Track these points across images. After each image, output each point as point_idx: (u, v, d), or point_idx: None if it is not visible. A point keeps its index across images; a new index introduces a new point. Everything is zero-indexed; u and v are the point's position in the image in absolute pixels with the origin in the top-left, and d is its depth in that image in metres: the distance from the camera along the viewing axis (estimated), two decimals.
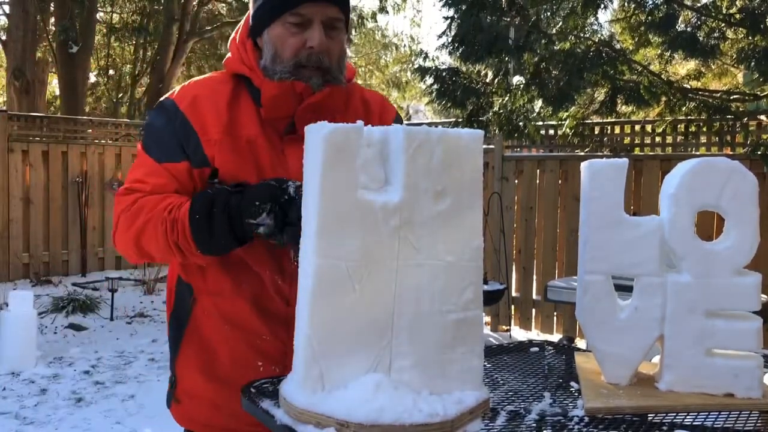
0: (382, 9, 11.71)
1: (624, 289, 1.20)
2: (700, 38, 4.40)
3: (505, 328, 5.76)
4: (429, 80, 5.10)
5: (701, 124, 5.08)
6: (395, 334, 0.95)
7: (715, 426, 1.01)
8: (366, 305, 0.94)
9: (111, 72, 13.22)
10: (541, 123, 5.73)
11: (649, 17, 4.65)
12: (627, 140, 5.66)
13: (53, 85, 14.32)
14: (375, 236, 0.94)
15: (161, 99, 1.43)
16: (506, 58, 4.79)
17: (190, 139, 1.34)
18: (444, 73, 5.00)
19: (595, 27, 5.32)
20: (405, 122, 1.68)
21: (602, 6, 4.68)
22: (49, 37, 10.42)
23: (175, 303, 1.44)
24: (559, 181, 5.58)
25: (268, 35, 1.36)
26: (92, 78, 12.61)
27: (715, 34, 4.53)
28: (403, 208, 0.95)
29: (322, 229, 0.93)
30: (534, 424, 1.01)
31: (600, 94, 5.09)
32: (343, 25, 1.39)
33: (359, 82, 1.50)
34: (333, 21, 1.35)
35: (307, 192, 0.98)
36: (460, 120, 5.17)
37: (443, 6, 4.89)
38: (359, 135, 0.95)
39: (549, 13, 5.17)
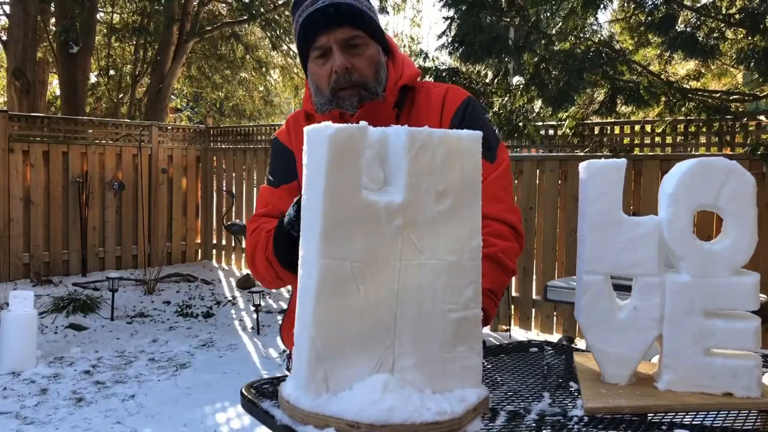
0: (382, 9, 11.70)
1: (623, 288, 1.20)
2: (700, 38, 4.40)
3: (504, 327, 5.76)
4: (429, 80, 5.10)
5: (701, 124, 5.08)
6: (398, 334, 0.96)
7: (714, 425, 1.02)
8: (369, 306, 0.94)
9: (111, 72, 13.21)
10: (540, 123, 5.73)
11: (649, 17, 4.65)
12: (626, 140, 5.66)
13: (54, 86, 14.32)
14: (378, 237, 0.94)
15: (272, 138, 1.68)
16: (506, 59, 4.80)
17: (293, 162, 1.53)
18: (444, 74, 5.00)
19: (595, 27, 5.33)
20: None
21: (602, 6, 4.68)
22: (50, 37, 10.42)
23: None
24: (559, 182, 5.58)
25: (309, 74, 1.49)
26: (93, 78, 12.61)
27: (715, 35, 4.53)
28: (406, 208, 0.95)
29: (326, 230, 0.93)
30: (533, 424, 1.02)
31: (600, 95, 5.09)
32: (365, 40, 1.44)
33: None
34: (349, 40, 1.42)
35: (309, 193, 0.97)
36: None
37: (443, 6, 4.89)
38: (364, 135, 0.95)
39: (549, 14, 5.17)
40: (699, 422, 1.02)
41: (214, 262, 8.59)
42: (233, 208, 8.24)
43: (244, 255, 8.20)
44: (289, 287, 1.70)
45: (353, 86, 1.42)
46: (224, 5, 12.39)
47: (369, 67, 1.44)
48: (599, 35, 5.31)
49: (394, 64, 1.52)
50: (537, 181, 5.71)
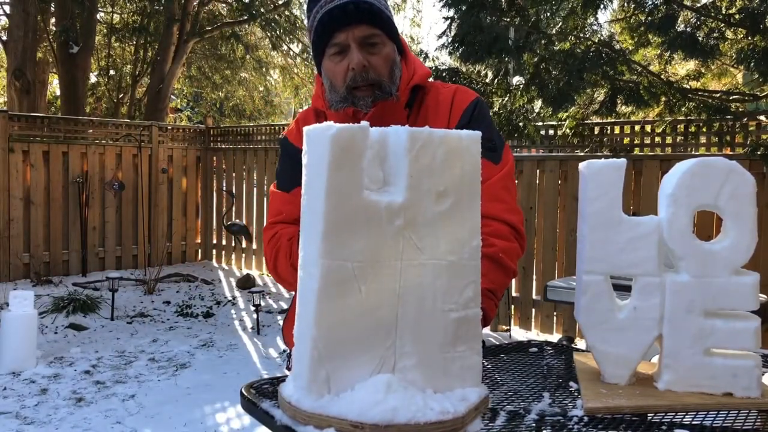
0: None
1: (623, 288, 1.20)
2: (700, 38, 4.40)
3: (504, 327, 5.76)
4: (429, 81, 5.10)
5: (701, 124, 5.08)
6: (399, 335, 0.96)
7: (714, 425, 1.02)
8: (371, 306, 0.94)
9: (111, 72, 13.21)
10: (540, 123, 5.73)
11: (649, 17, 4.65)
12: (627, 140, 5.66)
13: (54, 86, 14.32)
14: (380, 237, 0.94)
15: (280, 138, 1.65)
16: (506, 59, 4.80)
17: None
18: (444, 74, 5.00)
19: (595, 27, 5.32)
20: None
21: (602, 6, 4.68)
22: (50, 37, 10.41)
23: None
24: (559, 182, 5.58)
25: (323, 70, 1.48)
26: (93, 78, 12.61)
27: (715, 34, 4.53)
28: (407, 208, 0.95)
29: (328, 230, 0.92)
30: (533, 424, 1.02)
31: (600, 95, 5.09)
32: (382, 39, 1.44)
33: None
34: (368, 38, 1.41)
35: (310, 193, 0.97)
36: None
37: (443, 6, 4.89)
38: (365, 135, 0.95)
39: (549, 14, 5.17)
40: (699, 422, 1.02)
41: (214, 262, 8.59)
42: (233, 208, 8.24)
43: (244, 255, 8.21)
44: None
45: (369, 85, 1.42)
46: (224, 5, 12.38)
47: (385, 66, 1.44)
48: (599, 35, 5.31)
49: (406, 64, 1.53)
50: (537, 181, 5.71)
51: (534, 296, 5.72)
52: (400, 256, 0.95)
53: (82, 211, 7.48)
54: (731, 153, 4.94)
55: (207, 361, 4.87)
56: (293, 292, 1.63)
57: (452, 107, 1.52)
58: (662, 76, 4.92)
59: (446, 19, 5.08)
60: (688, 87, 5.22)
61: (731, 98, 5.01)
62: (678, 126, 5.24)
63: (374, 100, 1.44)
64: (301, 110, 1.73)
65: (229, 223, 7.85)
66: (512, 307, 5.81)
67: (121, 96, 13.02)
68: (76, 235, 7.47)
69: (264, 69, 13.77)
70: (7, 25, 10.64)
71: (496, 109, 5.04)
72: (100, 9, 11.52)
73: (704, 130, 5.13)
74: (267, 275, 7.94)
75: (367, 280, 0.94)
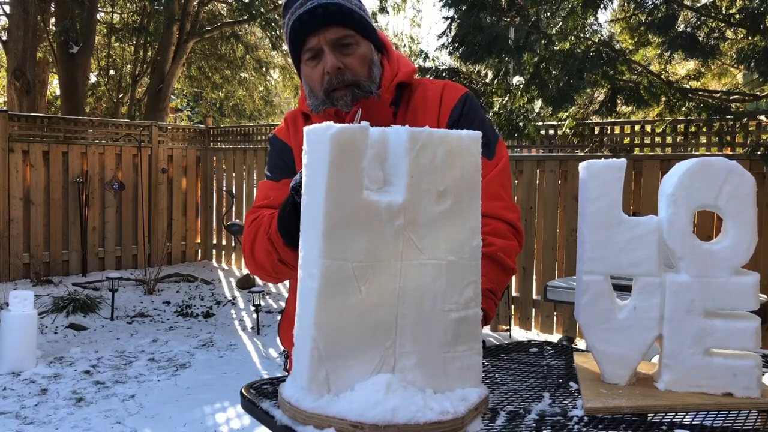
0: (382, 9, 11.69)
1: (623, 288, 1.20)
2: (700, 38, 4.40)
3: (504, 327, 5.76)
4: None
5: (701, 124, 5.08)
6: (399, 334, 0.96)
7: (714, 425, 1.02)
8: (371, 306, 0.94)
9: (111, 72, 13.22)
10: (540, 123, 5.73)
11: (649, 17, 4.65)
12: (627, 140, 5.66)
13: (54, 86, 14.32)
14: (380, 237, 0.94)
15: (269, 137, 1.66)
16: (506, 58, 4.79)
17: (292, 158, 1.52)
18: (444, 74, 5.00)
19: (595, 27, 5.32)
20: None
21: (602, 6, 4.68)
22: (50, 37, 10.42)
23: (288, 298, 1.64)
24: (559, 182, 5.58)
25: (302, 77, 1.48)
26: (93, 78, 12.61)
27: (715, 34, 4.52)
28: (407, 208, 0.95)
29: (328, 230, 0.92)
30: (533, 424, 1.02)
31: (600, 94, 5.08)
32: (356, 39, 1.43)
33: None
34: (340, 39, 1.40)
35: (310, 193, 0.97)
36: None
37: (443, 6, 4.89)
38: (365, 135, 0.95)
39: (549, 13, 5.16)
40: (699, 422, 1.02)
41: (214, 262, 8.59)
42: (233, 208, 8.24)
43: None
44: (287, 284, 1.69)
45: (346, 86, 1.41)
46: (224, 5, 12.39)
47: (362, 66, 1.43)
48: (599, 35, 5.31)
49: (389, 62, 1.51)
50: (537, 181, 5.71)
51: (534, 296, 5.72)
52: (400, 256, 0.95)
53: (82, 211, 7.48)
54: (731, 153, 4.94)
55: (207, 361, 4.87)
56: (290, 292, 1.63)
57: (441, 104, 1.50)
58: (662, 76, 4.92)
59: (446, 19, 5.08)
60: (688, 87, 5.21)
61: (731, 98, 5.01)
62: (678, 126, 5.24)
63: (354, 99, 1.42)
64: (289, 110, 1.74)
65: (229, 223, 7.85)
66: (512, 307, 5.81)
67: (121, 96, 13.02)
68: (76, 235, 7.47)
69: (264, 69, 13.76)
70: (7, 25, 10.63)
71: (496, 109, 5.04)
72: (100, 9, 11.52)
73: (704, 130, 5.13)
74: None
75: (367, 280, 0.94)
